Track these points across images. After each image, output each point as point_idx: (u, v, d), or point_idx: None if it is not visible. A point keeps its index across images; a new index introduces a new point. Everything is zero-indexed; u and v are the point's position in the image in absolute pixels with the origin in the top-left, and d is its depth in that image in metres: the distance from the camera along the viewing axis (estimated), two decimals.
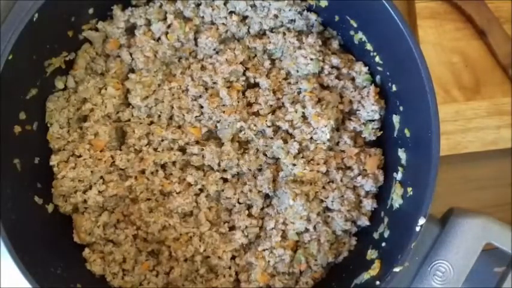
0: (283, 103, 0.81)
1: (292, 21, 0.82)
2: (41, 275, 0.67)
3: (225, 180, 0.81)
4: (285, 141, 0.80)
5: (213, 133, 0.82)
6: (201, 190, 0.81)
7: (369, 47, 0.78)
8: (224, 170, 0.80)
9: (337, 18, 0.80)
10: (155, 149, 0.80)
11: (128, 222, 0.80)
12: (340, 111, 0.81)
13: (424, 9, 0.92)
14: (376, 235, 0.77)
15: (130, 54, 0.81)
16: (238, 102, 0.80)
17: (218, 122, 0.81)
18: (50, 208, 0.77)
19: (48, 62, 0.76)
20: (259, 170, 0.81)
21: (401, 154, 0.75)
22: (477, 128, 0.90)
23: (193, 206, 0.80)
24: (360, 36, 0.79)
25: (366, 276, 0.73)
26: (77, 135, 0.80)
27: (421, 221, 0.67)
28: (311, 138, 0.80)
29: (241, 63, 0.81)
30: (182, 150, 0.81)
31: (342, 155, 0.80)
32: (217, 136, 0.82)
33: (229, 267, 0.79)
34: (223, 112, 0.79)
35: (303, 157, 0.79)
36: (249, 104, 0.81)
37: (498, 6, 0.91)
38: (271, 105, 0.81)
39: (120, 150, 0.80)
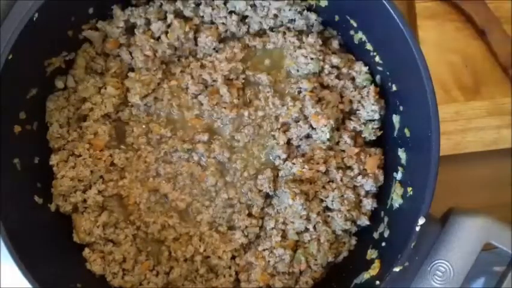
0: (283, 101, 0.81)
1: (292, 20, 0.82)
2: (41, 275, 0.67)
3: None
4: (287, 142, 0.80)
5: (214, 130, 0.82)
6: None
7: (369, 46, 0.78)
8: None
9: (337, 18, 0.80)
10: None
11: (127, 222, 0.80)
12: (340, 110, 0.81)
13: (424, 9, 0.92)
14: (376, 235, 0.77)
15: (130, 53, 0.81)
16: (238, 99, 0.81)
17: (219, 118, 0.81)
18: (52, 207, 0.77)
19: (48, 61, 0.76)
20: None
21: (401, 154, 0.75)
22: (477, 128, 0.90)
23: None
24: (360, 36, 0.79)
25: (365, 276, 0.73)
26: (77, 134, 0.80)
27: (421, 221, 0.67)
28: (311, 137, 0.80)
29: (240, 61, 0.81)
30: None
31: (342, 154, 0.80)
32: (218, 133, 0.82)
33: (229, 267, 0.79)
34: (224, 108, 0.80)
35: (302, 156, 0.80)
36: (249, 101, 0.82)
37: (498, 6, 0.91)
38: (271, 103, 0.81)
39: (119, 149, 0.81)
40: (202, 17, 0.81)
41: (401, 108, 0.76)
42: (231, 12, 0.81)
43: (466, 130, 0.90)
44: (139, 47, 0.80)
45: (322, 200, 0.79)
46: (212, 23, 0.82)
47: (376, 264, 0.72)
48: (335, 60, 0.80)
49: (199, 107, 0.81)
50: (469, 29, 0.92)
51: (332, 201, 0.78)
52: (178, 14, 0.81)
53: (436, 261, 0.70)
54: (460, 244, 0.69)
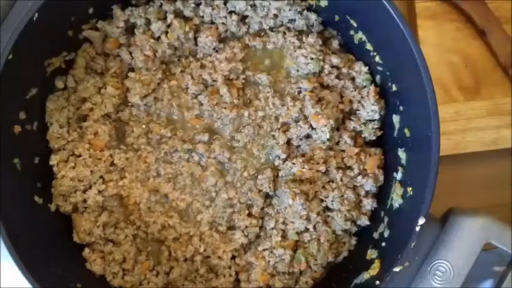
0: (283, 101, 0.81)
1: (292, 20, 0.82)
2: (41, 275, 0.67)
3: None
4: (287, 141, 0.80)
5: (214, 130, 0.82)
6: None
7: (368, 46, 0.78)
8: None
9: (337, 18, 0.80)
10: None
11: (127, 222, 0.80)
12: (340, 110, 0.81)
13: (424, 9, 0.92)
14: (376, 235, 0.77)
15: (130, 54, 0.81)
16: (238, 99, 0.81)
17: (219, 118, 0.81)
18: (52, 207, 0.77)
19: (48, 61, 0.76)
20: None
21: (401, 154, 0.75)
22: (477, 128, 0.90)
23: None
24: (360, 36, 0.79)
25: (365, 276, 0.73)
26: (77, 134, 0.80)
27: (421, 221, 0.67)
28: (311, 137, 0.80)
29: (240, 61, 0.81)
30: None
31: (342, 154, 0.80)
32: (218, 133, 0.82)
33: (229, 267, 0.79)
34: (224, 108, 0.80)
35: (302, 156, 0.80)
36: (249, 101, 0.82)
37: (498, 6, 0.91)
38: (272, 103, 0.81)
39: (119, 149, 0.81)
40: (202, 17, 0.81)
41: (401, 108, 0.76)
42: (231, 12, 0.81)
43: (466, 130, 0.90)
44: (139, 47, 0.80)
45: (322, 200, 0.79)
46: (212, 23, 0.82)
47: (376, 264, 0.72)
48: (335, 60, 0.80)
49: (199, 107, 0.81)
50: (469, 29, 0.92)
51: (332, 201, 0.78)
52: (178, 14, 0.81)
53: (436, 261, 0.70)
54: (460, 244, 0.69)
